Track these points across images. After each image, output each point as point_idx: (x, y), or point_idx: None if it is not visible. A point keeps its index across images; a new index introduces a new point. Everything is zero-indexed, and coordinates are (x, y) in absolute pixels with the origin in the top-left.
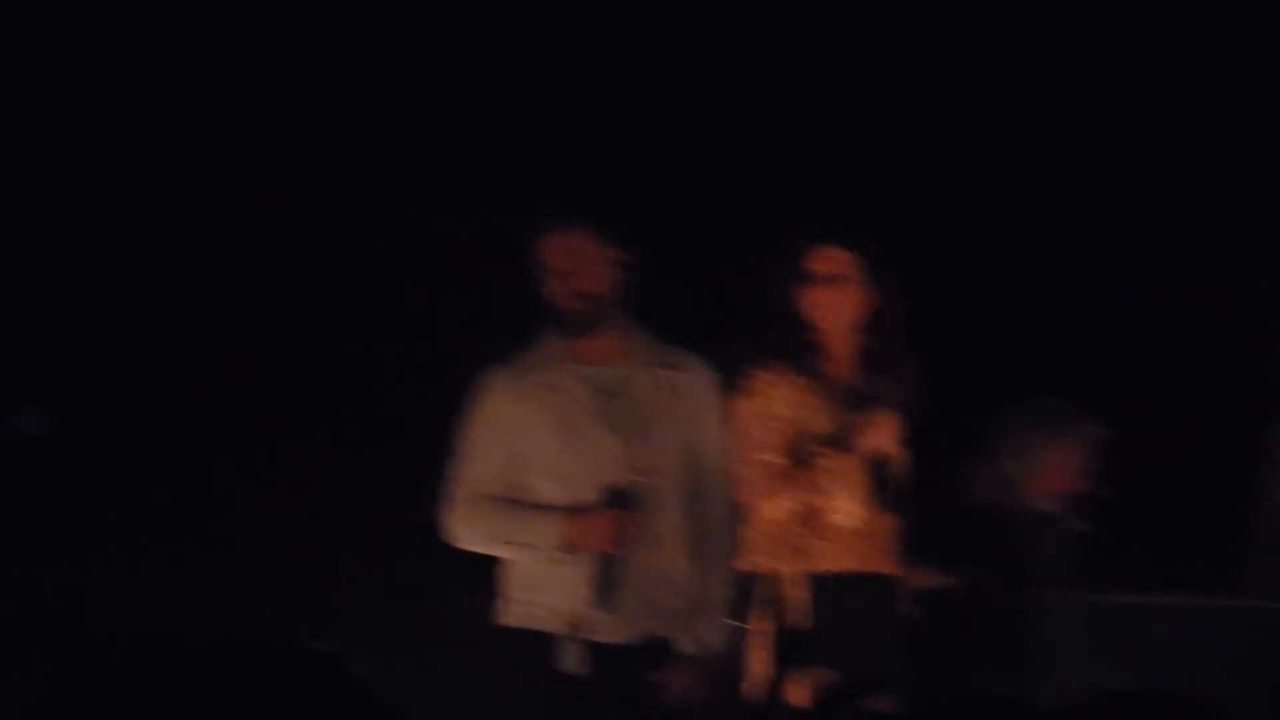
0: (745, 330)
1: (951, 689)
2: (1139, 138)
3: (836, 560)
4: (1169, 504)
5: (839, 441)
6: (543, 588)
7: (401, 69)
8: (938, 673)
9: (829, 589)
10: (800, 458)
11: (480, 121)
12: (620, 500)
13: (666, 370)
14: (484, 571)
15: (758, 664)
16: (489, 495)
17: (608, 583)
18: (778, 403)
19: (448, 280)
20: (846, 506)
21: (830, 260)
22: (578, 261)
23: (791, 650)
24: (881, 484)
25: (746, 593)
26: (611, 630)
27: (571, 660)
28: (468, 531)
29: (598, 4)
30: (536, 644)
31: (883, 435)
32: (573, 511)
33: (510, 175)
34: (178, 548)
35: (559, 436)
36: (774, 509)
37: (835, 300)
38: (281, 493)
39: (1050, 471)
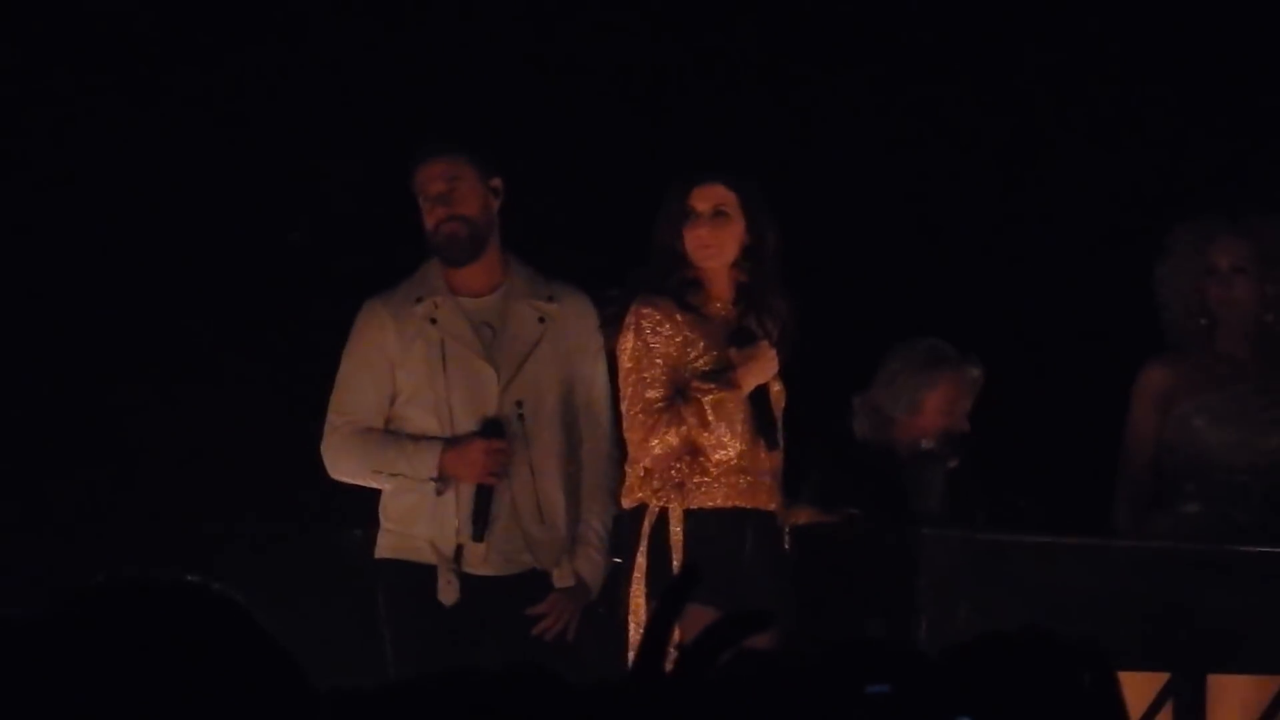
0: (628, 266)
1: (831, 627)
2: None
3: (719, 496)
4: (1045, 443)
5: (721, 377)
6: (419, 519)
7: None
8: (818, 611)
9: (711, 525)
10: (683, 394)
11: (359, 56)
12: (496, 431)
13: (545, 303)
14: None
15: (640, 600)
16: (367, 426)
17: (483, 514)
18: (660, 339)
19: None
20: (729, 442)
21: (711, 197)
22: (456, 188)
23: (674, 586)
24: (762, 420)
25: (630, 529)
26: (487, 562)
27: (447, 592)
28: (345, 462)
29: None
30: (413, 575)
31: (763, 370)
32: (449, 442)
33: (391, 114)
34: (72, 484)
35: (437, 369)
36: (657, 445)
37: (716, 237)
38: (179, 428)
39: (929, 410)
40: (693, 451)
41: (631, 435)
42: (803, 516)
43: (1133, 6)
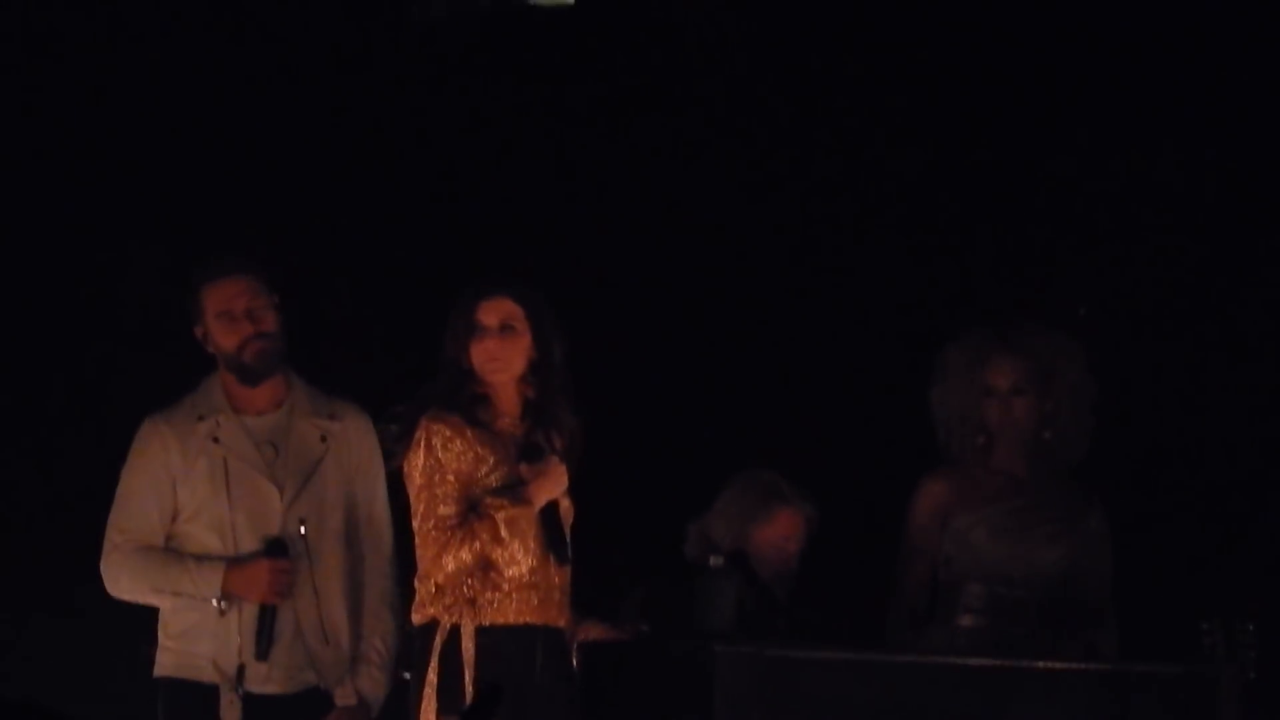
0: (416, 383)
1: None
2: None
3: (510, 613)
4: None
5: (512, 493)
6: (200, 638)
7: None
8: None
9: (503, 642)
10: (476, 509)
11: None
12: (281, 550)
13: (327, 421)
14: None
15: (430, 716)
16: (147, 544)
17: (266, 632)
18: (452, 455)
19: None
20: (521, 558)
21: (497, 311)
22: (257, 305)
23: (463, 704)
24: (552, 535)
25: (421, 645)
26: (270, 681)
27: (230, 712)
28: (126, 580)
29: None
30: (195, 694)
31: (554, 486)
32: (233, 561)
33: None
34: None
35: (220, 487)
36: (451, 562)
37: (503, 351)
38: None
39: (756, 543)
40: (485, 567)
41: (425, 551)
42: (591, 633)
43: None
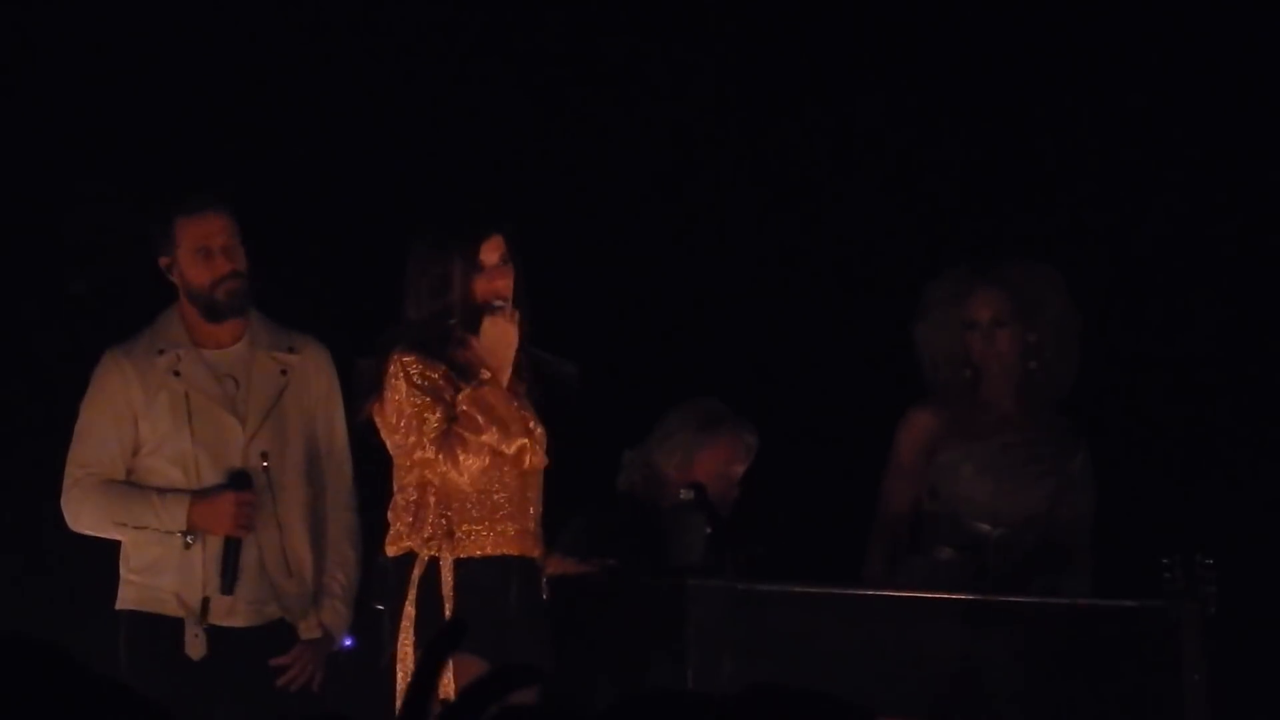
0: (393, 315)
1: (593, 678)
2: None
3: (488, 545)
4: (815, 500)
5: (490, 424)
6: (164, 571)
7: None
8: (580, 662)
9: (480, 574)
10: (452, 443)
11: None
12: (244, 483)
13: (287, 354)
14: None
15: (408, 649)
16: (108, 478)
17: (231, 566)
18: (428, 388)
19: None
20: (496, 490)
21: (498, 247)
22: (233, 243)
23: (441, 637)
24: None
25: (397, 577)
26: (234, 614)
27: (195, 646)
28: (88, 515)
29: None
30: (158, 628)
31: (504, 338)
32: (197, 494)
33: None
34: None
35: (182, 421)
36: (469, 461)
37: (509, 288)
38: None
39: (700, 469)
40: (462, 498)
41: (405, 478)
42: (560, 566)
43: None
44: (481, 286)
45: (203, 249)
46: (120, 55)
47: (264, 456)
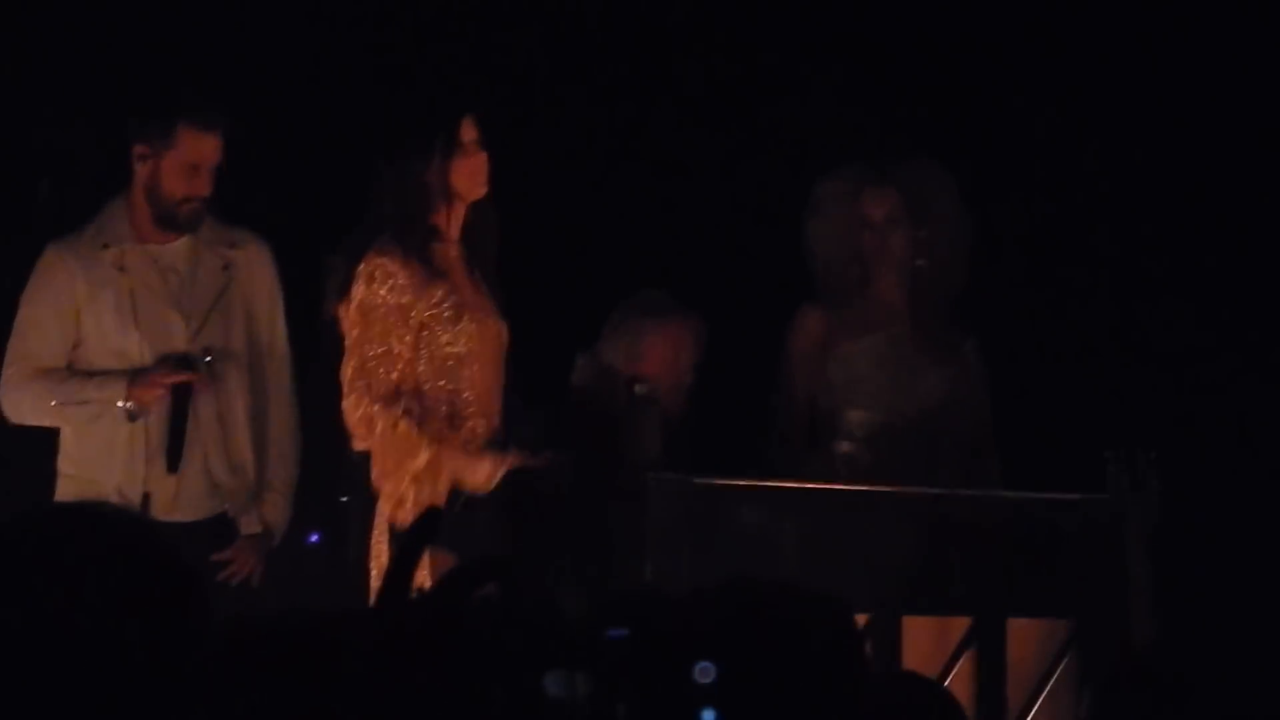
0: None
1: (555, 573)
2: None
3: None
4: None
5: (459, 319)
6: (103, 463)
7: None
8: (540, 556)
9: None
10: (424, 342)
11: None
12: (185, 364)
13: (229, 250)
14: None
15: (381, 545)
16: (48, 368)
17: (177, 442)
18: (397, 291)
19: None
20: (464, 389)
21: (473, 127)
22: (218, 163)
23: (413, 530)
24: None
25: (364, 473)
26: (176, 508)
27: None
28: (27, 400)
29: None
30: None
31: (494, 308)
32: (135, 371)
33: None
34: None
35: (127, 317)
36: (395, 398)
37: (480, 168)
38: None
39: (650, 358)
40: (433, 400)
41: (371, 384)
42: (519, 460)
43: None
44: (460, 167)
45: (193, 165)
46: None
47: (207, 351)
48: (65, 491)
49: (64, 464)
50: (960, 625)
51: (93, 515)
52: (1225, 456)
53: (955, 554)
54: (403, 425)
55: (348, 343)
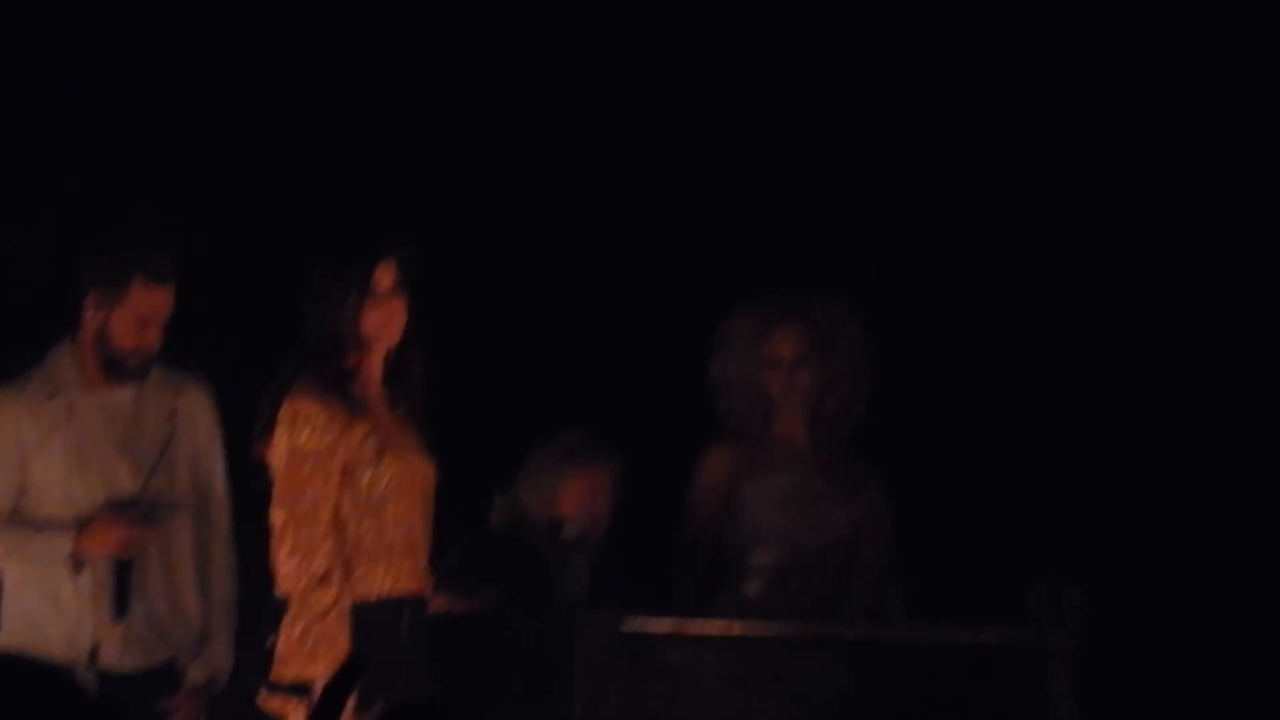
0: (281, 356)
1: (482, 713)
2: None
3: (386, 582)
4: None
5: (380, 458)
6: (47, 618)
7: None
8: (464, 699)
9: (376, 613)
10: (347, 483)
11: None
12: (133, 512)
13: (174, 396)
14: None
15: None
16: None
17: (124, 590)
18: (319, 433)
19: None
20: (390, 526)
21: (390, 273)
22: (165, 314)
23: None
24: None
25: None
26: (126, 655)
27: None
28: None
29: None
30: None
31: (419, 445)
32: (82, 523)
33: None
34: None
35: (74, 466)
36: (324, 548)
37: (401, 314)
38: None
39: (565, 501)
40: (361, 540)
41: (295, 524)
42: (447, 603)
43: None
44: (371, 314)
45: (144, 318)
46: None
47: (155, 499)
48: (10, 639)
49: (9, 609)
50: None
51: (18, 669)
52: (1147, 588)
53: (880, 691)
54: (332, 616)
55: (276, 489)
